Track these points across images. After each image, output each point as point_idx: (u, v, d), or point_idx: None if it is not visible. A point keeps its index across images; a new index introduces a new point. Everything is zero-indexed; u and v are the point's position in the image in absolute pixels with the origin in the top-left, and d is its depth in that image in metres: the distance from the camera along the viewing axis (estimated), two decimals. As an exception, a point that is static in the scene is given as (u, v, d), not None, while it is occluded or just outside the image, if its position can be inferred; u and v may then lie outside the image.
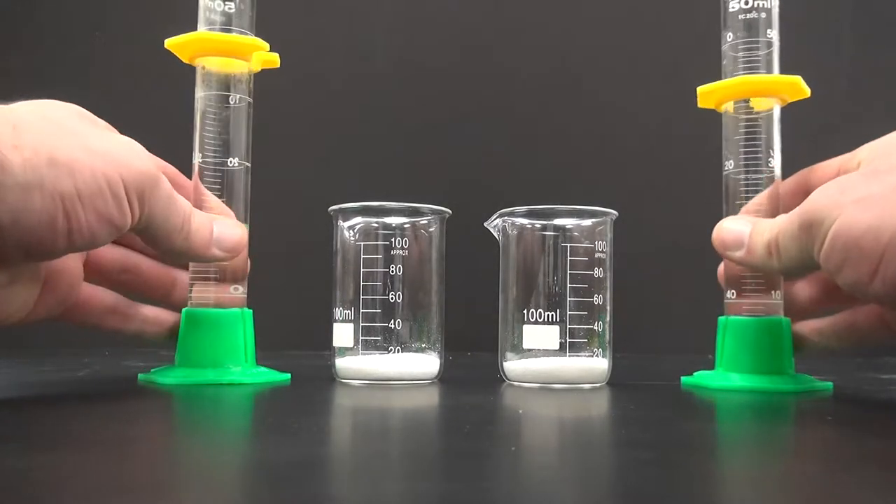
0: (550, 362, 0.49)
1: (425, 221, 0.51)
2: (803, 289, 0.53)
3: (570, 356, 0.49)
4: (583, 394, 0.48)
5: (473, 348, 0.75)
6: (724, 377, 0.50)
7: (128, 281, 0.51)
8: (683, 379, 0.53)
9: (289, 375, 0.52)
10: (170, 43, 0.49)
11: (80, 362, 0.64)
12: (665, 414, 0.42)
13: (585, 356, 0.49)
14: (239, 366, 0.50)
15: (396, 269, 0.50)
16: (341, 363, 0.51)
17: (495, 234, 0.52)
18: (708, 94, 0.50)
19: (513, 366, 0.51)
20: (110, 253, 0.50)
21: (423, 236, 0.51)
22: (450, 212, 0.52)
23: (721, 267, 0.53)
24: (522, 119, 0.89)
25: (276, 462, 0.27)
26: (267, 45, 0.50)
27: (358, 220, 0.51)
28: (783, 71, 0.50)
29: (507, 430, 0.37)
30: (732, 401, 0.47)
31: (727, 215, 0.52)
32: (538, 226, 0.50)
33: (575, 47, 0.89)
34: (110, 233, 0.39)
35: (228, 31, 0.50)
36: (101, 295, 0.50)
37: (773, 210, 0.50)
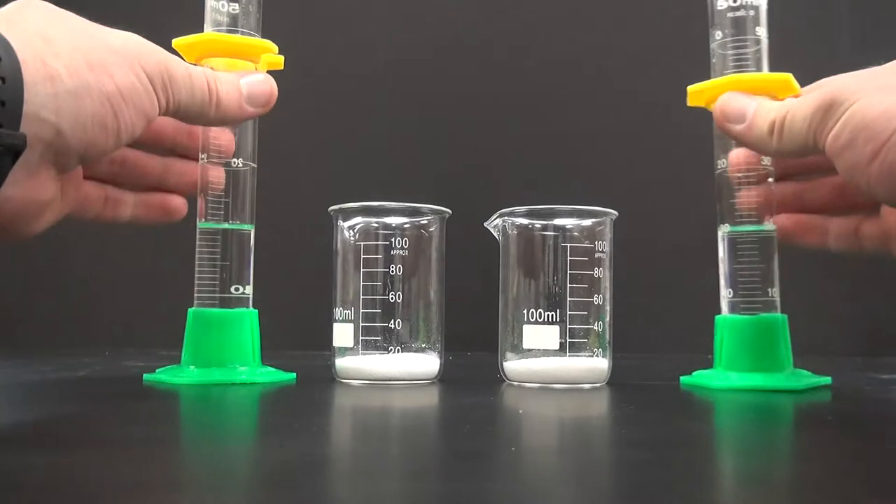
0: (550, 362, 0.49)
1: (425, 221, 0.51)
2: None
3: (570, 356, 0.49)
4: (583, 394, 0.48)
5: (473, 348, 0.75)
6: (723, 376, 0.50)
7: (116, 173, 0.50)
8: (682, 379, 0.53)
9: (294, 375, 0.53)
10: (177, 43, 0.49)
11: (80, 362, 0.64)
12: (665, 414, 0.42)
13: (585, 356, 0.49)
14: (246, 366, 0.50)
15: (396, 269, 0.50)
16: (341, 363, 0.51)
17: (495, 234, 0.52)
18: (698, 94, 0.50)
19: (513, 366, 0.51)
20: None
21: (423, 236, 0.51)
22: (450, 212, 0.52)
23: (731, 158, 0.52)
24: (522, 119, 0.89)
25: (276, 462, 0.28)
26: (275, 48, 0.50)
27: (358, 220, 0.51)
28: (776, 68, 0.50)
29: (507, 430, 0.37)
30: (732, 401, 0.47)
31: (721, 214, 0.52)
32: (538, 226, 0.50)
33: (575, 47, 0.89)
34: (145, 125, 0.41)
35: (234, 32, 0.50)
36: (95, 188, 0.49)
37: (769, 209, 0.51)
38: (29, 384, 0.51)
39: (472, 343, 0.73)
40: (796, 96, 0.46)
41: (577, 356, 0.49)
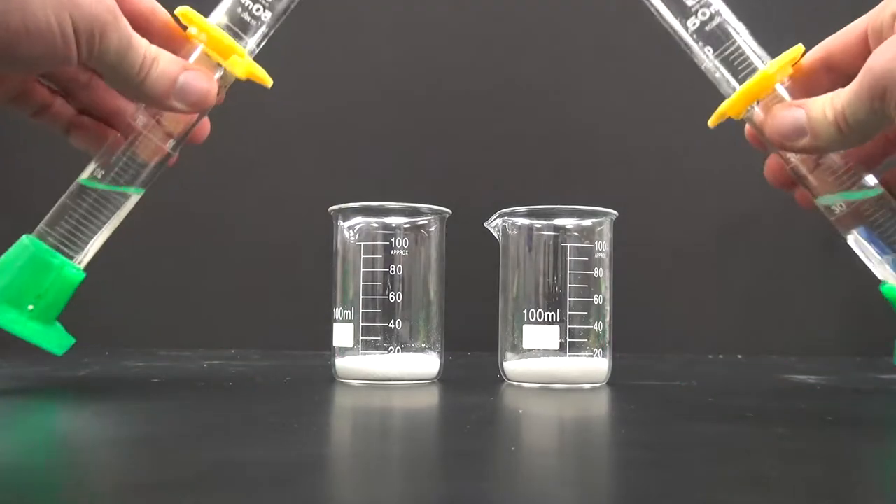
0: (550, 362, 0.49)
1: (425, 221, 0.51)
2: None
3: (570, 356, 0.49)
4: (583, 394, 0.48)
5: (473, 348, 0.74)
6: None
7: (74, 90, 0.48)
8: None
9: (72, 341, 0.47)
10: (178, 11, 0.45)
11: (79, 362, 0.64)
12: (665, 414, 0.42)
13: (585, 356, 0.49)
14: (36, 316, 0.44)
15: (396, 269, 0.50)
16: (341, 363, 0.51)
17: (495, 234, 0.52)
18: (722, 116, 0.45)
19: (513, 366, 0.51)
20: None
21: (423, 236, 0.51)
22: (450, 212, 0.52)
23: (772, 164, 0.48)
24: (523, 119, 0.89)
25: (276, 462, 0.27)
26: (242, 54, 0.45)
27: (358, 220, 0.51)
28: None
29: (507, 430, 0.37)
30: (731, 401, 0.47)
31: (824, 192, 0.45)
32: (538, 226, 0.50)
33: (575, 47, 0.89)
34: (54, 65, 0.41)
35: (237, 35, 0.45)
36: (43, 92, 0.48)
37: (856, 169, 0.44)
38: (30, 384, 0.51)
39: (472, 343, 0.73)
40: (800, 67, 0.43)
41: (577, 356, 0.49)
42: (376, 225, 0.51)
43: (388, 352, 0.49)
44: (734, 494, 0.25)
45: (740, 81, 0.44)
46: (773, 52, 0.46)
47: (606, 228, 0.51)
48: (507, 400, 0.46)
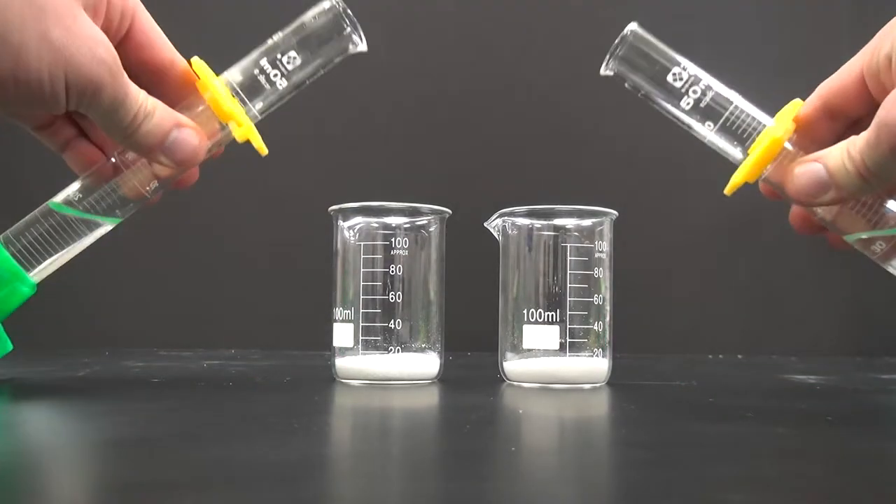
0: (550, 362, 0.49)
1: (425, 221, 0.51)
2: None
3: (570, 356, 0.49)
4: (583, 394, 0.48)
5: (473, 348, 0.75)
6: None
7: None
8: None
9: (9, 348, 0.46)
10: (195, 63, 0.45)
11: (79, 362, 0.64)
12: (665, 414, 0.42)
13: (585, 356, 0.49)
14: None
15: (396, 269, 0.50)
16: (341, 363, 0.51)
17: (495, 234, 0.52)
18: (737, 186, 0.45)
19: (513, 366, 0.51)
20: None
21: (423, 236, 0.51)
22: (450, 212, 0.52)
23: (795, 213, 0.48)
24: (523, 119, 0.89)
25: (276, 462, 0.27)
26: (241, 124, 0.44)
27: (358, 220, 0.51)
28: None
29: (507, 430, 0.37)
30: (731, 401, 0.47)
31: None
32: (538, 226, 0.50)
33: (575, 46, 0.89)
34: (40, 111, 0.42)
35: (244, 100, 0.45)
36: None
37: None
38: (30, 384, 0.51)
39: (472, 343, 0.73)
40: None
41: (577, 356, 0.49)
42: (376, 225, 0.51)
43: (388, 352, 0.49)
44: (734, 494, 0.25)
45: (746, 147, 0.44)
46: (766, 98, 0.46)
47: (606, 228, 0.51)
48: (507, 400, 0.46)
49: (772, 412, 0.43)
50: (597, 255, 0.50)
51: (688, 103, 0.45)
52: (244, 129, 0.45)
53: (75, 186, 0.45)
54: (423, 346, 0.51)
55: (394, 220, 0.51)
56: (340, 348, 0.51)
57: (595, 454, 0.32)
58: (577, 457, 0.31)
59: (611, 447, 0.34)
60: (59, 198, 0.45)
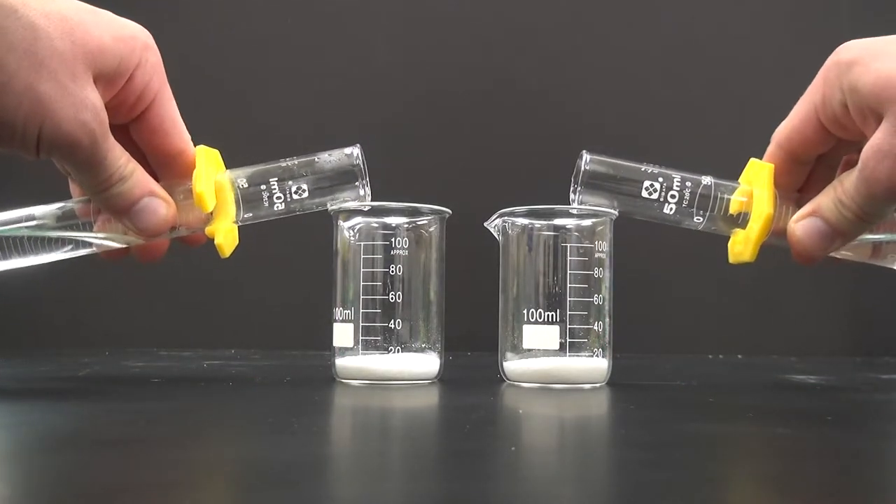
0: (550, 362, 0.49)
1: (425, 221, 0.51)
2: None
3: (570, 356, 0.49)
4: (583, 394, 0.48)
5: (473, 348, 0.74)
6: None
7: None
8: None
9: None
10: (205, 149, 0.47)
11: (79, 362, 0.64)
12: (665, 414, 0.42)
13: (585, 356, 0.49)
14: None
15: (396, 269, 0.50)
16: (341, 363, 0.51)
17: (495, 234, 0.52)
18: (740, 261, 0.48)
19: (513, 366, 0.51)
20: None
21: (423, 236, 0.51)
22: (450, 212, 0.52)
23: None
24: (523, 119, 0.89)
25: (276, 462, 0.28)
26: (217, 224, 0.47)
27: (358, 220, 0.51)
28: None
29: (507, 430, 0.37)
30: (731, 401, 0.47)
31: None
32: (538, 226, 0.50)
33: (575, 46, 0.89)
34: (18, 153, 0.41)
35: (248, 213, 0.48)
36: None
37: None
38: (30, 384, 0.51)
39: (472, 343, 0.73)
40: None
41: (577, 356, 0.49)
42: (376, 225, 0.51)
43: (388, 352, 0.49)
44: (734, 494, 0.25)
45: (740, 223, 0.47)
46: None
47: (606, 228, 0.51)
48: (507, 400, 0.46)
49: (772, 412, 0.43)
50: (597, 255, 0.50)
51: (671, 208, 0.48)
52: (213, 228, 0.47)
53: (62, 204, 0.46)
54: (423, 345, 0.51)
55: (394, 220, 0.51)
56: (340, 348, 0.51)
57: (595, 454, 0.32)
58: (577, 457, 0.31)
59: (611, 447, 0.34)
60: (45, 212, 0.45)
